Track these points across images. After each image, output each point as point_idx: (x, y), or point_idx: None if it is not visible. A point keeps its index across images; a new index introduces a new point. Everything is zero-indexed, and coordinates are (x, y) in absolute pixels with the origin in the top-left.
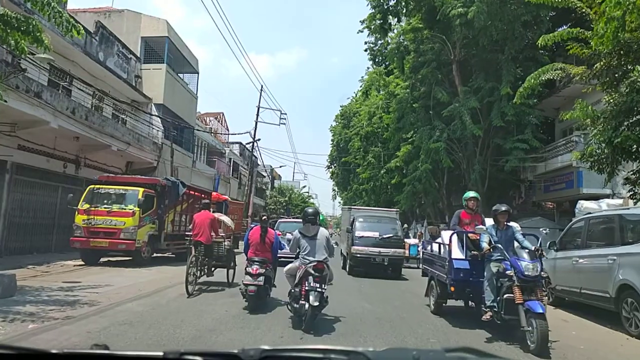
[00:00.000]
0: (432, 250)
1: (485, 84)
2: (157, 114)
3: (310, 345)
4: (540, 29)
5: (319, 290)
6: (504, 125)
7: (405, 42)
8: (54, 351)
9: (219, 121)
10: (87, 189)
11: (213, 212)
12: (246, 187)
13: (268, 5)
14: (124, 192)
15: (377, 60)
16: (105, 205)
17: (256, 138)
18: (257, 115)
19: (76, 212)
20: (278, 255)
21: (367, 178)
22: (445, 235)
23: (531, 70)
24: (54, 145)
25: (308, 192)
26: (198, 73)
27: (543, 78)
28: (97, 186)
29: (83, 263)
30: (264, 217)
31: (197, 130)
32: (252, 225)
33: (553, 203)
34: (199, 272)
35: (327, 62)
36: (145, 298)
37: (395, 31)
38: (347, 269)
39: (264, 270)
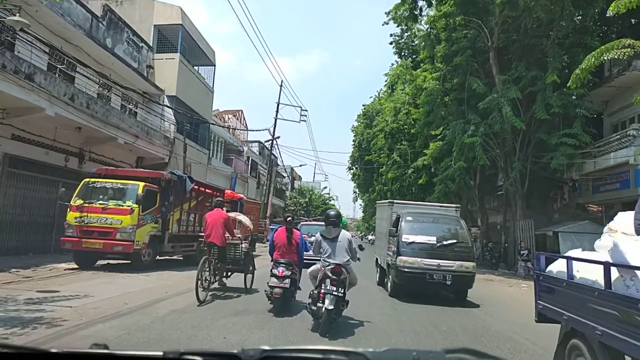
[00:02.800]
0: (571, 277)
1: (527, 72)
2: (169, 106)
3: (310, 346)
4: (593, 8)
5: (335, 293)
6: (548, 118)
7: (435, 31)
8: (53, 350)
9: (237, 119)
10: (82, 182)
11: (227, 211)
12: (265, 186)
13: (289, 9)
14: (121, 186)
15: (402, 54)
16: (101, 202)
17: (275, 136)
18: (277, 111)
19: (68, 209)
20: (304, 257)
21: (393, 178)
22: (628, 245)
23: (579, 57)
24: (54, 136)
25: (329, 194)
26: (215, 66)
27: (606, 57)
28: (93, 180)
29: (77, 266)
30: (289, 218)
31: (213, 124)
32: (271, 227)
33: (601, 206)
34: (211, 276)
35: (349, 64)
36: (126, 316)
37: (424, 20)
38: (390, 289)
39: (290, 272)
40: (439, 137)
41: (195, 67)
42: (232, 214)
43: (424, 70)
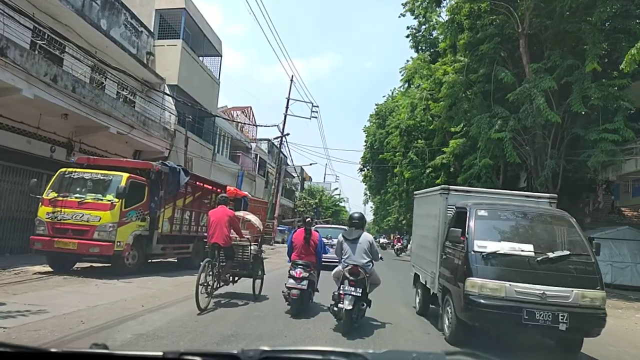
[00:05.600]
0: None
1: (562, 61)
2: (170, 97)
3: (309, 347)
4: None
5: (354, 294)
6: (586, 111)
7: (458, 18)
8: (53, 350)
9: (246, 115)
10: (57, 173)
11: (230, 209)
12: (273, 186)
13: (302, 10)
14: (102, 177)
15: (420, 47)
16: (77, 195)
17: (285, 133)
18: (287, 107)
19: (40, 203)
20: (322, 259)
21: (410, 178)
22: None
23: (622, 45)
24: (38, 123)
25: (339, 194)
26: (221, 56)
27: None
28: (69, 170)
29: (51, 270)
30: (308, 220)
31: (217, 117)
32: (279, 228)
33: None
34: (214, 281)
35: (360, 66)
36: (71, 344)
37: (445, 9)
38: (450, 331)
39: (308, 274)
40: (459, 134)
41: (200, 57)
42: (239, 213)
43: (444, 64)
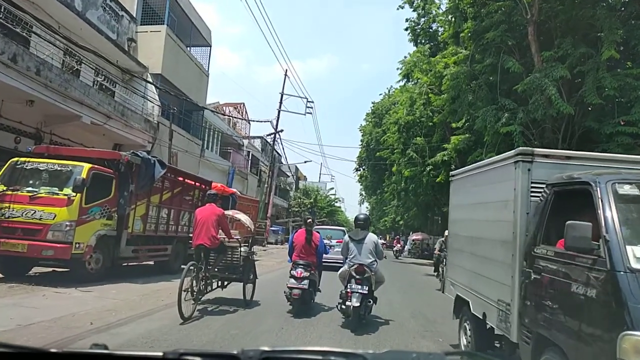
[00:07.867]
0: None
1: (574, 50)
2: (152, 87)
3: (309, 347)
4: None
5: (360, 291)
6: (601, 102)
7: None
8: (53, 350)
9: (238, 112)
10: (7, 163)
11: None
12: (266, 184)
13: (299, 12)
14: (60, 168)
15: (419, 40)
16: (30, 188)
17: (279, 129)
18: (280, 103)
19: None
20: (323, 259)
21: (410, 177)
22: None
23: (639, 32)
24: (0, 111)
25: (335, 194)
26: (210, 46)
27: None
28: (22, 160)
29: (1, 275)
30: (309, 220)
31: (205, 109)
32: (272, 229)
33: None
34: (200, 285)
35: (357, 68)
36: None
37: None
38: None
39: (309, 273)
40: (461, 129)
41: (188, 47)
42: (229, 212)
43: (444, 57)
